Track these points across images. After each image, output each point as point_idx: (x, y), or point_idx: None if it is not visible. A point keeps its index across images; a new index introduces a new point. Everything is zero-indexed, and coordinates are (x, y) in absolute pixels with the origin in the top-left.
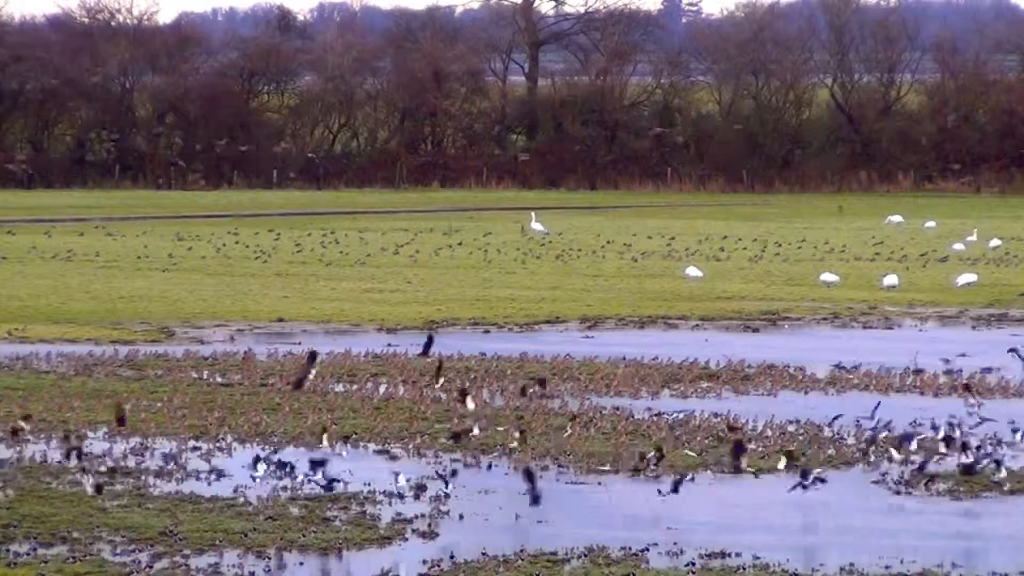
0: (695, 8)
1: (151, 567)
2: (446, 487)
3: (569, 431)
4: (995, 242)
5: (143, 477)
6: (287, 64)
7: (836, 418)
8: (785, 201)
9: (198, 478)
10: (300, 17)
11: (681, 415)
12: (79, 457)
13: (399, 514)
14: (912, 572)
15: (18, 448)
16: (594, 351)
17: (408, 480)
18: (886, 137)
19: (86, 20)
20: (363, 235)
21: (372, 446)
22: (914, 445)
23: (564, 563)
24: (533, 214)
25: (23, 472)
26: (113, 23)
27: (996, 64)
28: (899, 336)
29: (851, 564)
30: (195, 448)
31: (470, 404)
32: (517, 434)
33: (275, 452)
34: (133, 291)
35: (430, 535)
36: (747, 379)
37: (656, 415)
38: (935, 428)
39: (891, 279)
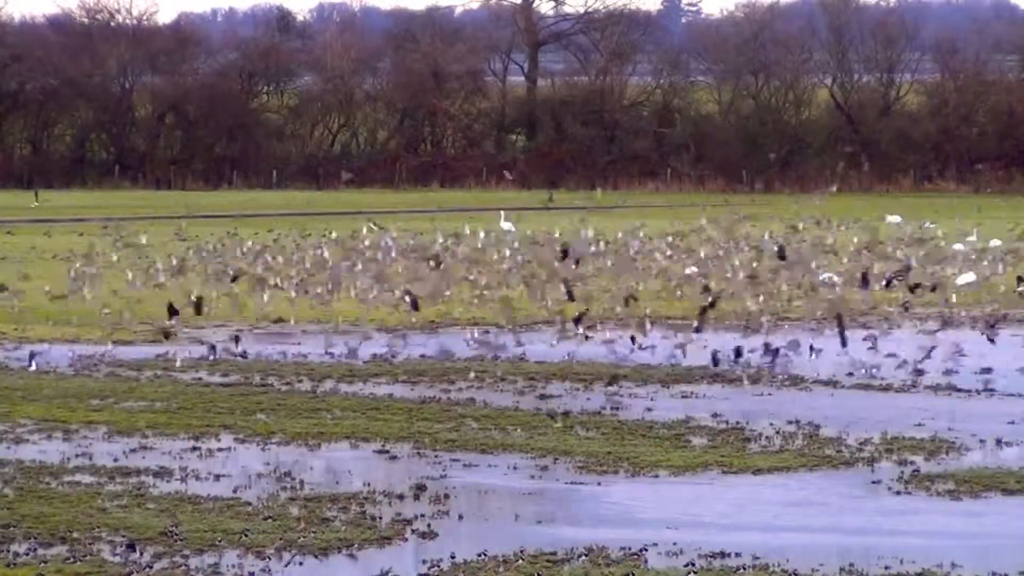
0: (695, 8)
1: (151, 567)
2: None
3: None
4: (995, 242)
5: (143, 477)
6: (287, 64)
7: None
8: (785, 201)
9: (198, 478)
10: (300, 17)
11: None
12: None
13: (399, 514)
14: (912, 572)
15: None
16: (594, 351)
17: None
18: (886, 137)
19: (85, 20)
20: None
21: None
22: None
23: (564, 563)
24: (502, 213)
25: (23, 472)
26: (113, 23)
27: (996, 64)
28: (899, 336)
29: (851, 564)
30: (195, 448)
31: None
32: None
33: None
34: (133, 291)
35: (430, 535)
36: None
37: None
38: None
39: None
